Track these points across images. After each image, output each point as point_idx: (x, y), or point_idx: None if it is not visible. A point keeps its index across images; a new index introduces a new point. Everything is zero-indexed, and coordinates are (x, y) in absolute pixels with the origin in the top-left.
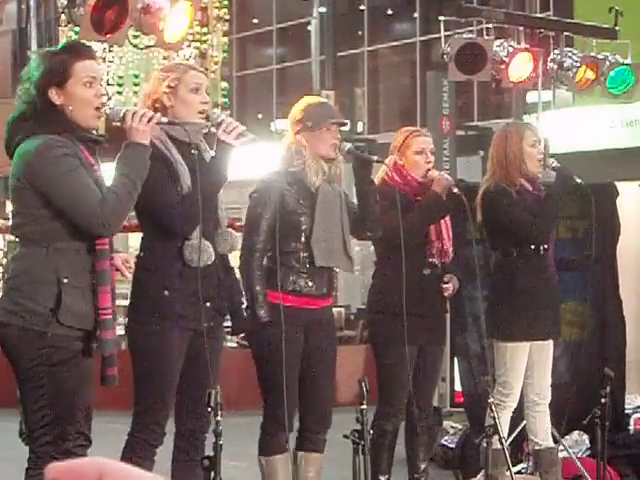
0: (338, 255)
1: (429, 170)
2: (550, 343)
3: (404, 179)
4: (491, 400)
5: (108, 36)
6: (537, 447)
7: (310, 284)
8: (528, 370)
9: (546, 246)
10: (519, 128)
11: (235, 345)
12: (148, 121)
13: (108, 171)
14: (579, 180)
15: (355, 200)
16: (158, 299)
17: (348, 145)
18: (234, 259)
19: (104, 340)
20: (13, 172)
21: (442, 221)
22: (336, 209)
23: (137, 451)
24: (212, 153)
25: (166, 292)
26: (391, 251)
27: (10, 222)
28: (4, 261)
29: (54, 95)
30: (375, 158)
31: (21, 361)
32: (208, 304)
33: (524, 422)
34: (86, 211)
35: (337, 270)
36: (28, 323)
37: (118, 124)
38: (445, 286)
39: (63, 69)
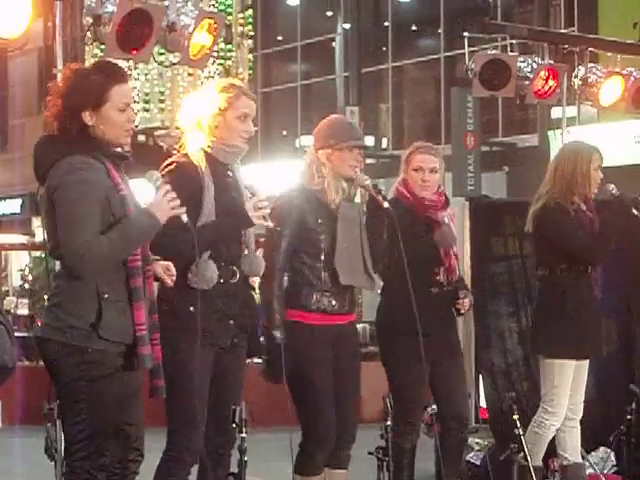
0: (360, 274)
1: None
2: (587, 360)
3: (411, 194)
4: (516, 417)
5: (134, 53)
6: (566, 462)
7: (334, 303)
8: None
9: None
10: (589, 149)
11: (260, 361)
12: (173, 208)
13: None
14: (636, 212)
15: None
16: (184, 315)
17: (367, 181)
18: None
19: (142, 355)
20: (44, 194)
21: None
22: (356, 227)
23: (171, 469)
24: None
25: (192, 308)
26: (395, 269)
27: (36, 239)
28: (30, 277)
29: (87, 116)
30: (386, 205)
31: (61, 376)
32: (232, 322)
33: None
34: (71, 242)
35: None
36: (69, 338)
37: (143, 139)
38: (462, 302)
39: (100, 92)
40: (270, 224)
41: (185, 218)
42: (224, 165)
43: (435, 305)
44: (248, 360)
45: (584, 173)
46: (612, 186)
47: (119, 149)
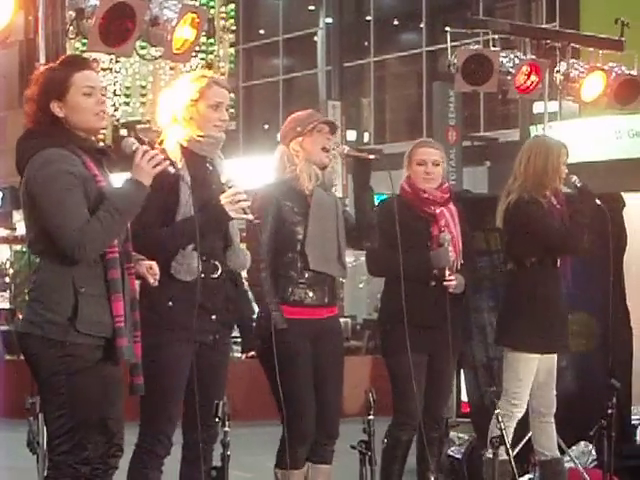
0: (332, 262)
1: (427, 178)
2: (555, 355)
3: (413, 190)
4: (498, 411)
5: (116, 48)
6: (543, 458)
7: (310, 294)
8: (535, 381)
9: (560, 259)
10: (558, 144)
11: (241, 356)
12: (155, 166)
13: (115, 182)
14: (599, 202)
15: (353, 209)
16: (163, 310)
17: (346, 148)
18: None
19: (119, 347)
20: (22, 189)
21: (453, 232)
22: (331, 215)
23: (144, 462)
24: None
25: (170, 303)
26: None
27: (17, 233)
28: (11, 271)
29: (56, 108)
30: (372, 156)
31: (41, 370)
32: (214, 317)
33: (530, 433)
34: (63, 232)
35: (342, 280)
36: (47, 333)
37: (124, 133)
38: (448, 278)
39: (62, 81)
40: (251, 217)
41: (172, 169)
42: (203, 158)
43: (434, 298)
44: (242, 355)
45: (555, 168)
46: (575, 177)
47: (97, 143)
